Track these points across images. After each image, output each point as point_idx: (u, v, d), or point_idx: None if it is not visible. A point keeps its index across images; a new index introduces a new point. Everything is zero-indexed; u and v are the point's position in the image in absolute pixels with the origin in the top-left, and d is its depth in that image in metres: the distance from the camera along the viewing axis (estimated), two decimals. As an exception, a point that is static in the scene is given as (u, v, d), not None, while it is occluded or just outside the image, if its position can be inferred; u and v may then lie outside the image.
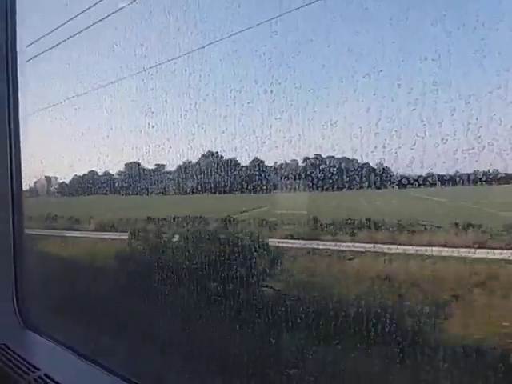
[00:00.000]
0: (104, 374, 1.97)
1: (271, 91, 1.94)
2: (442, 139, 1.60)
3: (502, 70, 1.47)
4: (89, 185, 3.39)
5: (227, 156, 2.29)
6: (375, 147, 1.71)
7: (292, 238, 2.79)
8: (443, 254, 2.18)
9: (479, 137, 1.53)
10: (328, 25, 1.81)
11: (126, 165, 3.08)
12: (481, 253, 2.12)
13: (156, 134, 2.37)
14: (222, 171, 2.37)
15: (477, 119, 1.53)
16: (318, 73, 1.86)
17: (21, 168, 2.77)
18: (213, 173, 2.41)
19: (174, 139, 2.28)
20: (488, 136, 1.51)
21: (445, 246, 2.23)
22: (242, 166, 2.33)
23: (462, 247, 2.15)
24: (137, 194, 3.09)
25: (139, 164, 2.94)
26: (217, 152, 2.39)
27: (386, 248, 2.38)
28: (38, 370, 1.99)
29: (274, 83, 1.92)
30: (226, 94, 2.07)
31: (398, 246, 2.34)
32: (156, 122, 2.35)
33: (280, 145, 1.96)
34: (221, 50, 2.13)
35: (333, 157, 2.09)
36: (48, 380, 1.90)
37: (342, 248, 2.51)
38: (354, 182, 1.96)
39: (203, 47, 2.17)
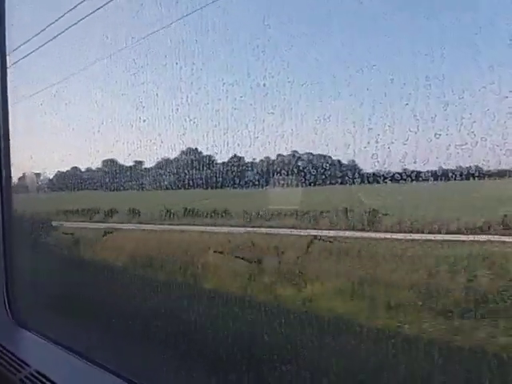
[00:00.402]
0: (95, 370, 1.97)
1: (264, 85, 1.93)
2: (435, 134, 1.59)
3: (495, 65, 1.46)
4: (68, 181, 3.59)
5: (214, 152, 2.26)
6: (368, 142, 1.70)
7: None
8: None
9: (472, 132, 1.52)
10: (321, 18, 1.80)
11: (103, 161, 3.13)
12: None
13: (147, 128, 2.35)
14: (198, 168, 2.39)
15: (470, 114, 1.52)
16: (311, 67, 1.85)
17: (10, 163, 2.74)
18: (189, 169, 2.45)
19: (165, 134, 2.27)
20: (481, 131, 1.51)
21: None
22: (219, 163, 2.34)
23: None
24: (108, 190, 3.20)
25: (114, 161, 2.98)
26: (196, 148, 2.39)
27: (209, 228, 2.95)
28: (29, 366, 1.98)
29: (267, 77, 1.90)
30: (218, 88, 2.05)
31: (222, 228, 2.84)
32: (147, 117, 2.33)
33: (272, 140, 1.95)
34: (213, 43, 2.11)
35: (311, 153, 2.09)
36: (39, 376, 1.89)
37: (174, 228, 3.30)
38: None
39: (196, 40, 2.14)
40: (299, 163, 2.08)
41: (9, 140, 2.73)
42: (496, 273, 1.83)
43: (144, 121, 2.40)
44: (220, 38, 2.09)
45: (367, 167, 1.79)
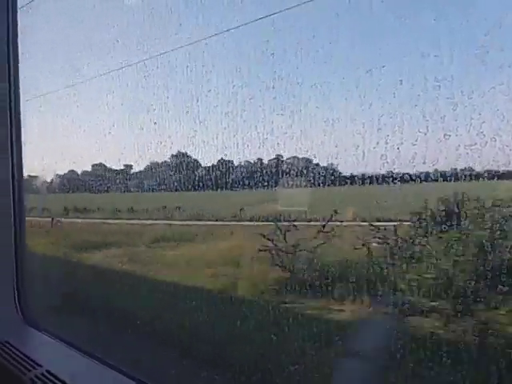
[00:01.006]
0: (106, 370, 1.97)
1: (273, 87, 1.94)
2: (445, 135, 1.59)
3: (504, 65, 1.46)
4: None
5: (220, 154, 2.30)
6: (377, 143, 1.71)
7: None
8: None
9: (482, 132, 1.53)
10: (330, 21, 1.81)
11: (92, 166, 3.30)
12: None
13: (158, 130, 2.36)
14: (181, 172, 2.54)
15: (480, 114, 1.53)
16: (320, 69, 1.85)
17: (22, 162, 2.75)
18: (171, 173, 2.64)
19: (175, 136, 2.28)
20: (491, 132, 1.51)
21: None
22: (204, 167, 2.41)
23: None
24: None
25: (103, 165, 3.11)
26: (186, 152, 2.47)
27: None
28: (40, 366, 1.99)
29: (277, 79, 1.92)
30: (228, 90, 2.07)
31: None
32: (157, 119, 2.35)
33: (282, 142, 1.96)
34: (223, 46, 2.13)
35: (296, 157, 2.12)
36: (50, 376, 1.89)
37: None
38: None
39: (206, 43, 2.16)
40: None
41: (21, 142, 2.75)
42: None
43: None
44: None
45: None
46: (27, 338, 2.42)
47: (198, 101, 2.13)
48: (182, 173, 2.46)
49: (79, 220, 4.54)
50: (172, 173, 2.53)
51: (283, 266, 2.75)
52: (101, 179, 3.16)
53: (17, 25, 2.72)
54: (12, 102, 2.67)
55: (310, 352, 2.36)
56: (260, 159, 2.22)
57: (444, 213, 2.18)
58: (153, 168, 2.69)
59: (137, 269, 3.77)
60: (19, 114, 2.71)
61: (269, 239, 2.73)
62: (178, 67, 2.25)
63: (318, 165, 2.01)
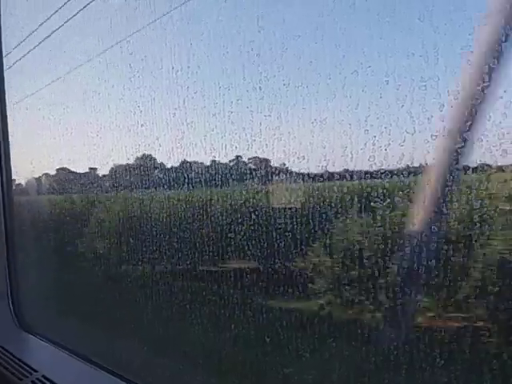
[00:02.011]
0: (102, 375, 1.99)
1: (260, 88, 1.93)
2: (432, 135, 1.60)
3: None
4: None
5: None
6: (365, 144, 1.71)
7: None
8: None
9: (468, 132, 1.53)
10: (315, 21, 1.79)
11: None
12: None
13: (146, 132, 2.35)
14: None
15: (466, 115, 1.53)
16: (305, 69, 1.84)
17: (10, 158, 2.74)
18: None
19: (163, 139, 2.28)
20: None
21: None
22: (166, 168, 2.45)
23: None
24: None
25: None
26: (150, 154, 2.47)
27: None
28: (36, 371, 2.00)
29: (263, 80, 1.91)
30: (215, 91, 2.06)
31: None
32: (144, 121, 2.33)
33: (270, 142, 1.95)
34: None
35: (257, 157, 2.13)
36: (46, 382, 1.91)
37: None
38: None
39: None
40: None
41: (8, 141, 2.73)
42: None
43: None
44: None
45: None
46: (22, 343, 2.44)
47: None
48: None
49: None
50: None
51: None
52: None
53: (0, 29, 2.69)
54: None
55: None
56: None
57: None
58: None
59: None
60: (6, 116, 2.69)
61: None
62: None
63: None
